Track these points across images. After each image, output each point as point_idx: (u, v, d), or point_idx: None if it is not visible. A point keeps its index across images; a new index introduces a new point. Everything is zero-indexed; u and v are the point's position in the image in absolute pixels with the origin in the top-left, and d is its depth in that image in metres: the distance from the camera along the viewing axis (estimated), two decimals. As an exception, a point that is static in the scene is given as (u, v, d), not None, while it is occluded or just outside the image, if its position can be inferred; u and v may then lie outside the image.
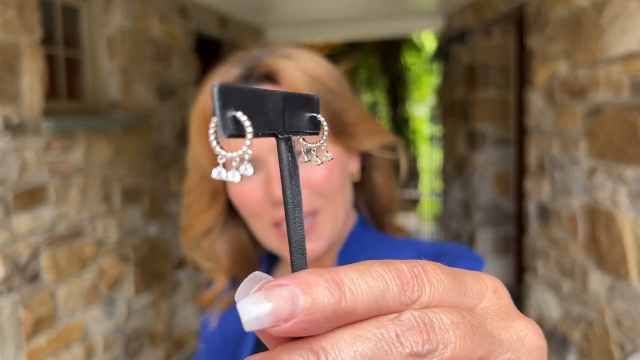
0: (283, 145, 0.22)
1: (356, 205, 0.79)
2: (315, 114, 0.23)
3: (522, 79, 3.67)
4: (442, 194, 5.36)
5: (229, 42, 4.21)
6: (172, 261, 3.26)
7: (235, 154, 0.20)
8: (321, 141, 0.25)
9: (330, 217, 0.68)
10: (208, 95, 0.71)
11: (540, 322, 2.85)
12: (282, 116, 0.22)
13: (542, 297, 2.82)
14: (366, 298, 0.19)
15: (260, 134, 0.20)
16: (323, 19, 4.89)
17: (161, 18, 3.22)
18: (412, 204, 8.01)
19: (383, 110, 9.04)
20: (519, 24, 3.71)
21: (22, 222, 2.10)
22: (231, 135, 0.19)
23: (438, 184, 5.91)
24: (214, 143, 0.20)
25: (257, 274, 0.21)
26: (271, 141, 0.63)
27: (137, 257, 2.89)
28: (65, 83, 2.58)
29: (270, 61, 0.68)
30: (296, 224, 0.22)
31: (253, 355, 0.19)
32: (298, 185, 0.22)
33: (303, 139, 0.25)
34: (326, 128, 0.24)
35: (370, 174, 0.77)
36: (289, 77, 0.66)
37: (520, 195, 3.79)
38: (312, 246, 0.67)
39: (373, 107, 9.04)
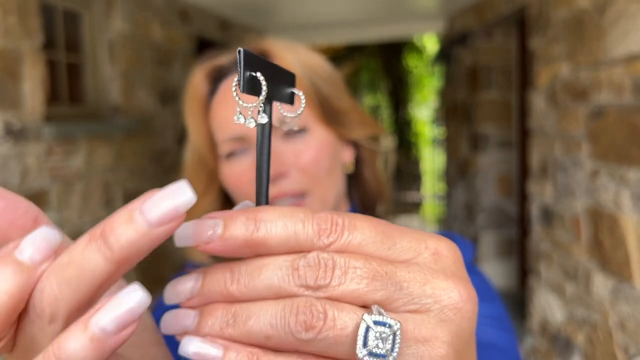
0: (268, 108, 0.26)
1: (351, 197, 0.79)
2: (294, 90, 0.28)
3: (525, 81, 3.67)
4: (445, 196, 5.35)
5: (230, 46, 4.21)
6: (174, 265, 3.26)
7: (251, 105, 0.24)
8: (297, 112, 0.28)
9: (319, 199, 0.68)
10: (200, 78, 0.72)
11: (544, 326, 2.83)
12: (274, 85, 0.26)
13: (546, 300, 2.80)
14: (278, 235, 0.22)
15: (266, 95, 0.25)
16: (325, 22, 4.89)
17: (162, 22, 3.22)
18: (415, 206, 8.00)
19: (385, 113, 9.03)
20: (521, 25, 3.70)
21: (24, 227, 2.10)
22: (248, 91, 0.23)
23: (441, 187, 5.90)
24: (235, 94, 0.24)
25: (247, 202, 0.26)
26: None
27: (139, 262, 2.89)
28: (67, 88, 2.59)
29: (264, 44, 0.69)
30: (262, 172, 0.26)
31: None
32: (269, 144, 0.26)
33: (281, 108, 0.28)
34: (303, 101, 0.27)
35: (360, 166, 0.77)
36: (281, 58, 0.67)
37: (523, 198, 3.78)
38: None
39: (375, 109, 9.03)
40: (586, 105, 2.36)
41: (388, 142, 0.78)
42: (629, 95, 2.04)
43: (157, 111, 3.15)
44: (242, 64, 0.23)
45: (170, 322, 0.24)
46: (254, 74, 0.24)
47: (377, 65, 8.77)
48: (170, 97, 3.29)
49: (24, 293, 0.22)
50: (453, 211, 4.83)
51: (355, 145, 0.76)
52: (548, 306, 2.79)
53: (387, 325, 0.21)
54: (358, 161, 0.77)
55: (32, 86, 2.16)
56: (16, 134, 2.08)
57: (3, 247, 0.23)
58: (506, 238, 4.13)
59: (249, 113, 0.24)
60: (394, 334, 0.21)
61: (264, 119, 0.25)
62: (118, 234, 0.21)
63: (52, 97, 2.43)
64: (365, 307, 0.22)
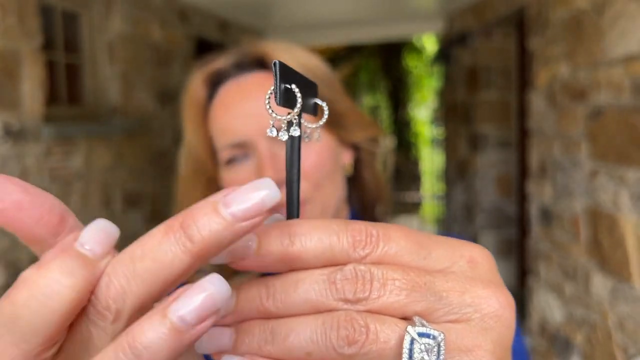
0: (298, 120, 0.25)
1: (350, 200, 0.78)
2: (318, 100, 0.28)
3: (524, 81, 3.67)
4: (444, 196, 5.35)
5: (229, 46, 4.21)
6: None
7: (284, 117, 0.24)
8: (320, 123, 0.28)
9: (320, 205, 0.67)
10: (198, 82, 0.70)
11: (543, 325, 2.83)
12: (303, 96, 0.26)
13: (545, 300, 2.81)
14: (313, 249, 0.22)
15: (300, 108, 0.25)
16: (324, 23, 4.89)
17: (161, 23, 3.22)
18: (414, 206, 8.00)
19: (385, 114, 9.04)
20: (520, 26, 3.70)
21: (23, 228, 2.10)
22: (284, 104, 0.23)
23: (440, 187, 5.90)
24: (268, 107, 0.23)
25: (277, 216, 0.25)
26: (260, 125, 0.65)
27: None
28: (66, 89, 2.59)
29: (262, 47, 0.68)
30: (293, 184, 0.26)
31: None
32: (299, 157, 0.26)
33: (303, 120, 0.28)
34: (326, 112, 0.27)
35: (359, 168, 0.76)
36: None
37: (522, 198, 3.79)
38: None
39: (375, 110, 9.04)
40: (585, 106, 2.36)
41: (387, 143, 0.77)
42: (628, 96, 2.04)
43: (156, 112, 3.15)
44: (278, 76, 0.23)
45: (206, 340, 0.23)
46: (288, 86, 0.23)
47: (377, 66, 8.77)
48: (170, 97, 3.29)
49: (88, 289, 0.20)
50: (452, 211, 4.83)
51: (355, 147, 0.75)
52: (547, 306, 2.79)
53: (431, 337, 0.21)
54: (357, 163, 0.76)
55: (31, 87, 2.16)
56: (15, 135, 2.08)
57: (34, 244, 0.22)
58: (505, 238, 4.14)
59: (283, 126, 0.24)
60: (439, 345, 0.21)
61: (297, 132, 0.24)
62: (200, 226, 0.20)
63: (51, 97, 2.43)
64: (405, 318, 0.22)
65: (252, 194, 0.21)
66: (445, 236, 0.24)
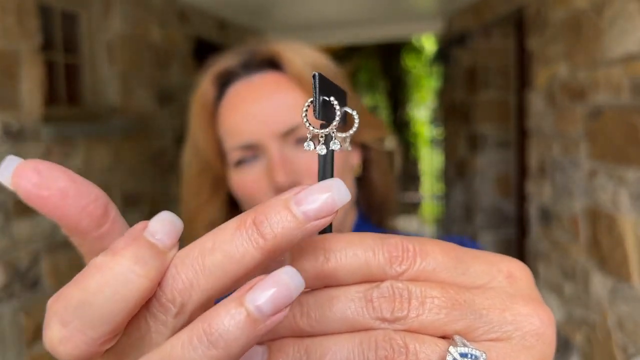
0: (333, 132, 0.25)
1: (357, 201, 0.77)
2: (348, 109, 0.27)
3: (523, 81, 3.67)
4: (443, 196, 5.35)
5: (229, 47, 4.21)
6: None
7: (321, 131, 0.23)
8: (350, 132, 0.27)
9: None
10: (208, 83, 0.70)
11: (543, 325, 2.84)
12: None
13: (545, 300, 2.81)
14: (348, 265, 0.21)
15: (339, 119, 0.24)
16: (323, 23, 4.89)
17: (161, 23, 3.22)
18: (414, 206, 8.00)
19: (384, 114, 9.04)
20: (519, 26, 3.71)
21: (23, 228, 2.10)
22: (323, 117, 0.22)
23: (439, 187, 5.90)
24: (305, 120, 0.23)
25: None
26: (270, 127, 0.64)
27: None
28: (65, 89, 2.59)
29: (271, 47, 0.67)
30: None
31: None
32: (332, 169, 0.25)
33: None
34: (357, 121, 0.26)
35: (368, 168, 0.75)
36: (291, 63, 0.65)
37: (521, 198, 3.79)
38: None
39: (374, 110, 9.04)
40: (584, 106, 2.36)
41: (391, 144, 0.77)
42: (627, 95, 2.04)
43: (155, 112, 3.15)
44: (317, 89, 0.22)
45: None
46: (326, 98, 0.23)
47: (376, 66, 8.77)
48: (169, 97, 3.29)
49: (158, 279, 0.20)
50: (451, 211, 4.83)
51: (363, 147, 0.74)
52: (547, 306, 2.79)
53: (473, 357, 0.21)
54: (366, 163, 0.75)
55: (30, 87, 2.16)
56: (14, 135, 2.07)
57: (76, 234, 0.21)
58: (505, 238, 4.14)
59: (321, 139, 0.23)
60: None
61: (337, 145, 0.23)
62: (273, 223, 0.20)
63: (51, 98, 2.43)
64: (444, 337, 0.21)
65: (323, 194, 0.20)
66: (482, 250, 0.24)
